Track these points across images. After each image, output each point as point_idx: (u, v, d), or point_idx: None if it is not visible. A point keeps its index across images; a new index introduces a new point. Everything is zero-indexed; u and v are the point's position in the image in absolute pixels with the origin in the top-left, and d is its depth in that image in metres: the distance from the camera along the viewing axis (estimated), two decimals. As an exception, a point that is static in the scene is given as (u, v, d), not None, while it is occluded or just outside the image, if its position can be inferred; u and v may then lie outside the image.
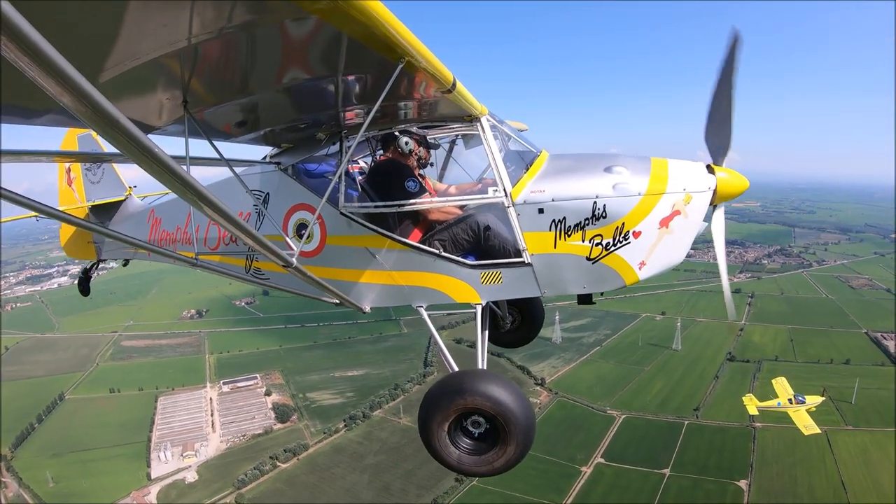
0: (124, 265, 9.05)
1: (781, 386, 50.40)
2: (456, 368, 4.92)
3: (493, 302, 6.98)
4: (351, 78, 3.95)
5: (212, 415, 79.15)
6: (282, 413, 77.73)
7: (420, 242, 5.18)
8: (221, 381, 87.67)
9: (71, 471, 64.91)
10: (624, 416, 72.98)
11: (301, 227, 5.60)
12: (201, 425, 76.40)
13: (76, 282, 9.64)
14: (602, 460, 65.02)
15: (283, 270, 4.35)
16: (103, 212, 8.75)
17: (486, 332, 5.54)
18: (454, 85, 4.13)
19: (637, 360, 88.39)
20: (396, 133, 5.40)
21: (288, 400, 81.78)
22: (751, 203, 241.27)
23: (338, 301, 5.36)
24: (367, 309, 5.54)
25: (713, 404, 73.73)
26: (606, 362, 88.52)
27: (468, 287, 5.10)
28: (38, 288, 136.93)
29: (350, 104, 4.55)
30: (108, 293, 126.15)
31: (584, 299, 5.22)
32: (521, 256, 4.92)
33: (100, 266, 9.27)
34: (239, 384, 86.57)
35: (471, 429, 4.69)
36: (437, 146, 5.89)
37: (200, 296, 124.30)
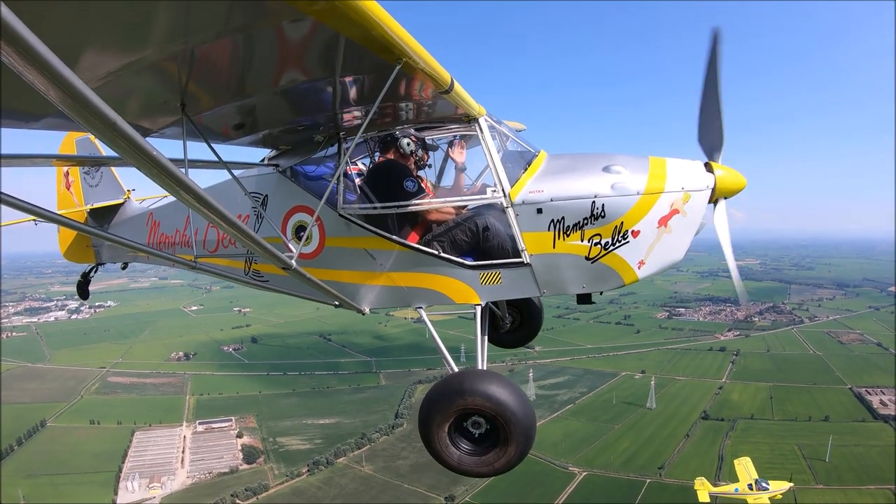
0: (123, 268, 9.56)
1: (744, 468, 47.90)
2: (456, 369, 5.19)
3: (493, 302, 7.24)
4: (348, 79, 4.22)
5: (183, 451, 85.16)
6: (249, 454, 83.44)
7: (419, 243, 5.44)
8: (197, 421, 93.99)
9: (42, 491, 71.27)
10: (585, 473, 75.94)
11: (300, 229, 5.85)
12: (171, 460, 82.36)
13: (75, 286, 10.01)
14: (555, 513, 67.59)
15: (282, 272, 4.64)
16: (102, 215, 9.21)
17: (486, 333, 5.78)
18: (452, 85, 4.39)
19: (609, 418, 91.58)
20: (396, 134, 5.68)
21: (258, 443, 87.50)
22: (750, 261, 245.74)
23: (337, 303, 5.64)
24: (367, 310, 5.82)
25: (679, 463, 76.33)
26: (577, 420, 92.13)
27: (467, 288, 5.38)
28: (36, 319, 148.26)
29: (348, 106, 4.86)
30: (103, 330, 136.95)
31: (584, 299, 5.48)
32: (519, 256, 5.18)
33: (98, 270, 9.72)
34: (213, 425, 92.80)
35: (471, 430, 4.92)
36: (435, 147, 6.10)
37: (191, 339, 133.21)
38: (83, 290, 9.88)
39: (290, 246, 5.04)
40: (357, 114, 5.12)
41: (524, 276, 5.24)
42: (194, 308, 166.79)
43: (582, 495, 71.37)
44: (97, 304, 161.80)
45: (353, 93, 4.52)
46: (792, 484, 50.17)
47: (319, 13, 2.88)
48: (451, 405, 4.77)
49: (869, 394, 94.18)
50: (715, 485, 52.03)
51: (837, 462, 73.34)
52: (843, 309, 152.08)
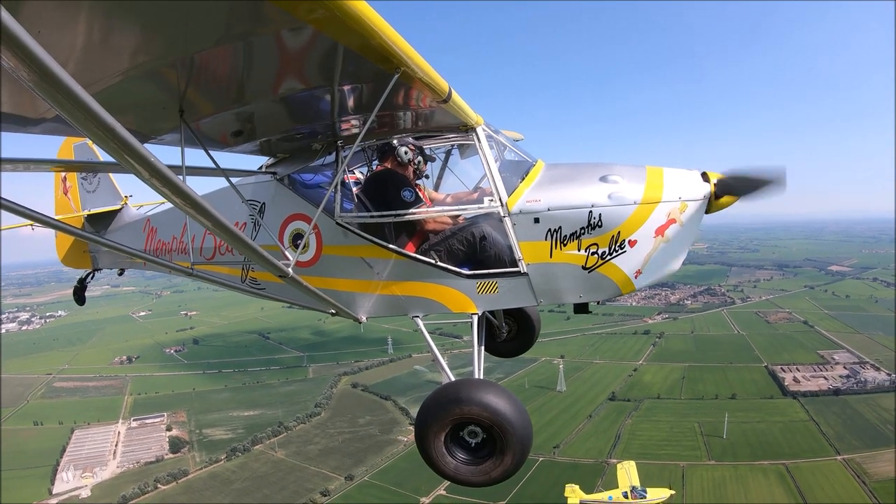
0: (120, 274, 10.33)
1: (626, 472, 46.93)
2: (452, 378, 5.54)
3: (490, 311, 7.90)
4: (347, 88, 4.55)
5: (116, 445, 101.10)
6: (175, 445, 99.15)
7: (416, 252, 5.90)
8: (132, 418, 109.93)
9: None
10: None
11: (297, 237, 6.33)
12: (105, 453, 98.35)
13: (72, 291, 10.61)
14: (443, 492, 75.69)
15: (279, 280, 5.03)
16: (99, 221, 9.85)
17: (483, 342, 6.38)
18: (450, 95, 4.75)
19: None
20: (394, 143, 6.16)
21: (185, 434, 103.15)
22: (698, 245, 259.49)
23: (334, 311, 6.18)
24: (364, 319, 6.30)
25: (575, 442, 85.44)
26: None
27: (464, 297, 5.81)
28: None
29: (346, 114, 5.25)
30: (52, 339, 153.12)
31: (581, 308, 5.89)
32: (516, 266, 5.59)
33: (95, 276, 10.41)
34: (147, 421, 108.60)
35: (468, 439, 5.24)
36: (433, 158, 6.67)
37: (135, 343, 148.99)
38: (79, 296, 10.44)
39: (288, 254, 5.58)
40: (355, 122, 5.61)
41: (521, 285, 5.66)
42: (143, 313, 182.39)
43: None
44: (48, 314, 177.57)
45: (351, 101, 4.90)
46: (673, 492, 49.16)
47: (318, 21, 3.11)
48: (448, 414, 5.08)
49: (783, 371, 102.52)
50: (590, 492, 50.29)
51: (735, 439, 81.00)
52: (778, 289, 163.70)
